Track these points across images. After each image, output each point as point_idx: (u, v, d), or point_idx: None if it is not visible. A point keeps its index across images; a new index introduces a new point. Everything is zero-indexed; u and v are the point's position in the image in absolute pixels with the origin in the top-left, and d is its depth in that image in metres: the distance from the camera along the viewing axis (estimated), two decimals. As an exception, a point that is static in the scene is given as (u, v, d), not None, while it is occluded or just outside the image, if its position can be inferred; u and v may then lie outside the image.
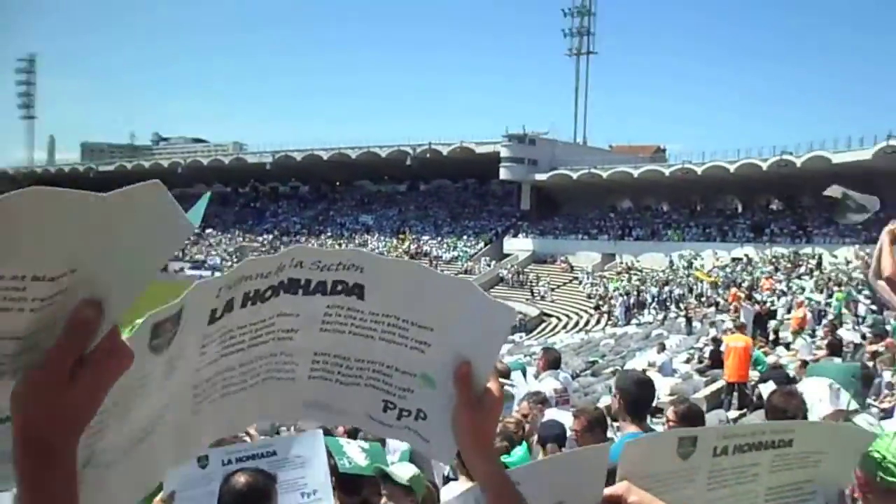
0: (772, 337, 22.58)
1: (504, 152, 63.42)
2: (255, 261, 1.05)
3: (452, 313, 1.15)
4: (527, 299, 52.36)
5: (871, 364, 11.63)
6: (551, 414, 6.38)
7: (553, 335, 40.88)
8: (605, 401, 11.06)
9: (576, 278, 54.98)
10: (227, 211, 79.43)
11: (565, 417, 5.93)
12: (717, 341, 20.40)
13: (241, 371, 1.17)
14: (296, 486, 3.70)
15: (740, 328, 17.99)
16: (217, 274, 1.43)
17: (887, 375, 11.13)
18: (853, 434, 2.03)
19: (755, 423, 4.72)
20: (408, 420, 1.26)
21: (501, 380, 6.57)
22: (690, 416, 4.64)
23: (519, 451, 5.14)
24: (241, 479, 3.08)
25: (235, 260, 68.46)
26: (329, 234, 72.03)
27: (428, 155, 67.74)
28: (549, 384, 7.79)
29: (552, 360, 8.48)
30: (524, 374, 9.48)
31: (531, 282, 55.63)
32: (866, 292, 26.33)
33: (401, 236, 68.24)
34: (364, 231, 71.66)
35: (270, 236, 73.21)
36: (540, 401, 6.71)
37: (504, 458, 4.44)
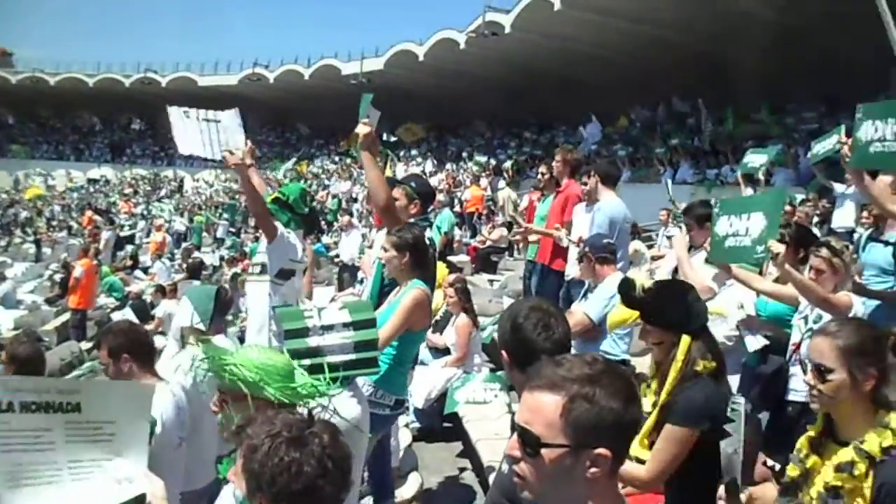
0: (129, 262, 21.46)
1: None
2: None
3: None
4: None
5: (228, 286, 11.87)
6: None
7: None
8: None
9: None
10: None
11: None
12: (68, 267, 18.43)
13: None
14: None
15: (94, 253, 16.49)
16: None
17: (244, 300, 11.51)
18: (142, 391, 2.12)
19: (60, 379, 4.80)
20: None
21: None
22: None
23: None
24: None
25: None
26: None
27: None
28: None
29: None
30: None
31: None
32: (226, 216, 26.64)
33: None
34: None
35: None
36: None
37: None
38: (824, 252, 4.43)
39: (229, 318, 9.57)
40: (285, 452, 1.84)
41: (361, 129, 4.81)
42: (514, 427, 1.69)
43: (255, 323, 5.87)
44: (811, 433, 2.72)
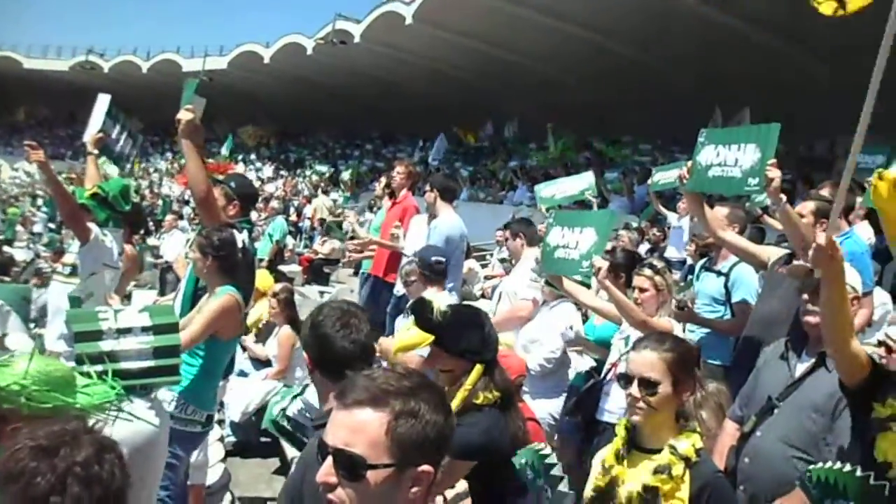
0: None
1: None
2: None
3: None
4: None
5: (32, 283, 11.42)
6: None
7: None
8: None
9: None
10: None
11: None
12: None
13: None
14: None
15: None
16: None
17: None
18: None
19: None
20: None
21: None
22: None
23: None
24: None
25: None
26: None
27: None
28: None
29: None
30: None
31: None
32: (45, 209, 25.08)
33: None
34: None
35: None
36: None
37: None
38: (647, 271, 4.53)
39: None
40: (25, 458, 1.72)
41: (184, 116, 4.52)
42: (325, 450, 1.50)
43: (56, 327, 5.43)
44: (617, 445, 2.77)
